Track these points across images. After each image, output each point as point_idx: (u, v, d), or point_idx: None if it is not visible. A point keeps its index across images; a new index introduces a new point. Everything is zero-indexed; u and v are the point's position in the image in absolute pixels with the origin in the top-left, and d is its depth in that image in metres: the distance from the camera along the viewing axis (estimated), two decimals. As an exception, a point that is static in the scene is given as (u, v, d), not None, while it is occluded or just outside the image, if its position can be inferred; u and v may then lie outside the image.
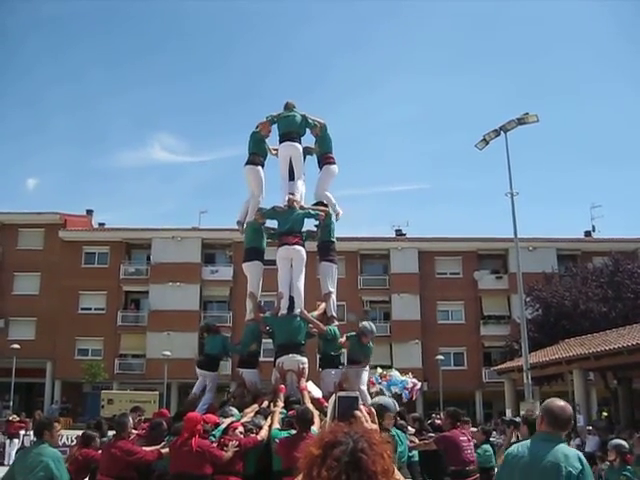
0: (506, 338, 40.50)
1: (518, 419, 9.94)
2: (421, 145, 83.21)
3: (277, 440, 7.46)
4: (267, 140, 11.76)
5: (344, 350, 10.84)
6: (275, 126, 11.68)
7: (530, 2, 76.96)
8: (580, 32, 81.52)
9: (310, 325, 10.43)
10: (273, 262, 10.83)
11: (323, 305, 11.10)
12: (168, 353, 36.49)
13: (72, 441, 11.20)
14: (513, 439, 8.82)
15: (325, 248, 11.51)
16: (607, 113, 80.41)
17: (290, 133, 11.44)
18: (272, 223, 11.39)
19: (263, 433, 7.79)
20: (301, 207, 11.02)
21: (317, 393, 9.87)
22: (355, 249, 45.67)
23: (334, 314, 11.21)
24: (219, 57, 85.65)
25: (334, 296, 11.33)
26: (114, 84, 78.96)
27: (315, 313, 10.78)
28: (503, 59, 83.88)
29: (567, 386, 30.82)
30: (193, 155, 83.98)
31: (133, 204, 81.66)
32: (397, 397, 22.58)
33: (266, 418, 8.32)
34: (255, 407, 9.05)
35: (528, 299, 35.66)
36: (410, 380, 22.92)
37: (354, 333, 10.50)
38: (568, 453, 4.08)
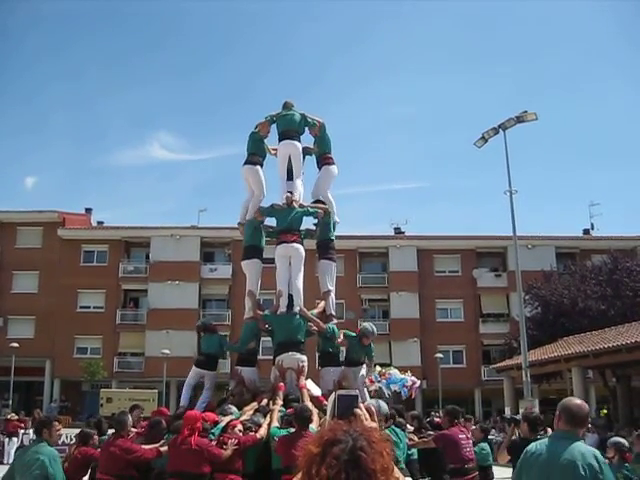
0: (505, 336, 40.51)
1: (518, 417, 9.93)
2: (420, 143, 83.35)
3: (276, 438, 7.47)
4: (266, 140, 11.76)
5: (343, 348, 10.84)
6: (274, 126, 11.67)
7: (528, 2, 77.15)
8: (579, 31, 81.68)
9: (309, 323, 10.44)
10: (272, 260, 10.84)
11: (322, 303, 11.11)
12: (167, 351, 36.51)
13: (71, 440, 11.19)
14: (514, 437, 8.80)
15: (324, 246, 11.52)
16: (606, 111, 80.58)
17: (289, 131, 11.45)
18: (271, 221, 11.39)
19: (262, 431, 7.79)
20: (300, 205, 11.02)
21: (316, 391, 9.88)
22: (354, 247, 45.67)
23: (333, 312, 11.22)
24: (218, 56, 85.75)
25: (333, 294, 11.33)
26: (113, 82, 78.92)
27: (315, 311, 10.80)
28: (502, 58, 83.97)
29: (566, 384, 30.89)
30: (192, 153, 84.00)
31: (132, 202, 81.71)
32: (396, 395, 22.61)
33: (265, 416, 8.32)
34: (254, 405, 9.06)
35: (527, 297, 35.68)
36: (409, 378, 22.90)
37: (354, 334, 10.49)
38: (585, 451, 4.14)
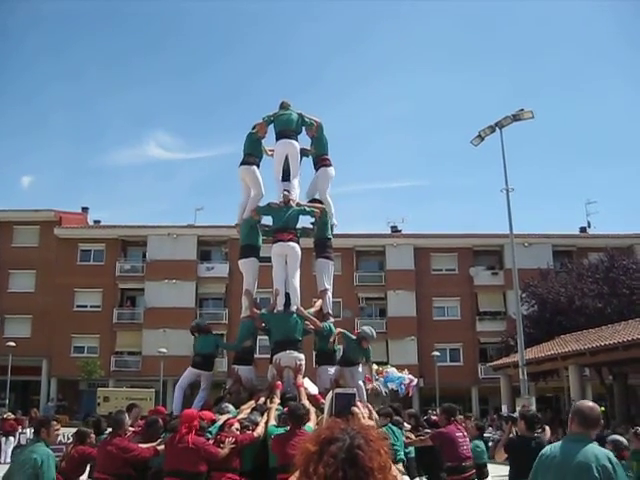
0: (502, 334, 40.51)
1: (515, 415, 9.95)
2: (416, 142, 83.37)
3: (273, 437, 7.48)
4: (263, 141, 11.74)
5: (340, 347, 10.85)
6: (271, 127, 11.64)
7: (526, 1, 77.25)
8: (576, 30, 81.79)
9: (306, 322, 10.44)
10: (269, 259, 10.83)
11: (319, 302, 11.12)
12: (164, 350, 36.49)
13: (68, 439, 11.16)
14: (511, 435, 8.81)
15: (321, 245, 11.52)
16: (602, 109, 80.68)
17: (286, 131, 11.42)
18: (267, 220, 11.38)
19: (259, 430, 7.79)
20: (297, 204, 11.01)
21: (313, 389, 9.89)
22: (351, 246, 45.63)
23: (330, 311, 11.22)
24: (216, 55, 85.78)
25: (330, 293, 11.33)
26: (111, 82, 78.90)
27: (311, 310, 10.80)
28: (499, 57, 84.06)
29: (563, 382, 30.93)
30: (189, 152, 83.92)
31: (129, 201, 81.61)
32: (393, 393, 22.64)
33: (262, 415, 8.32)
34: (251, 404, 9.06)
35: (524, 295, 35.67)
36: (407, 376, 22.94)
37: (354, 337, 10.46)
38: (598, 453, 4.25)
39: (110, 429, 8.14)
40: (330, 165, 11.86)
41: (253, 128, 11.60)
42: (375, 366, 21.81)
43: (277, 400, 8.78)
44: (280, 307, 10.43)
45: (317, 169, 11.91)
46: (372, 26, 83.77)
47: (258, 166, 11.56)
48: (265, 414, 8.28)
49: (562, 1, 76.04)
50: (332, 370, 10.39)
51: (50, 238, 45.56)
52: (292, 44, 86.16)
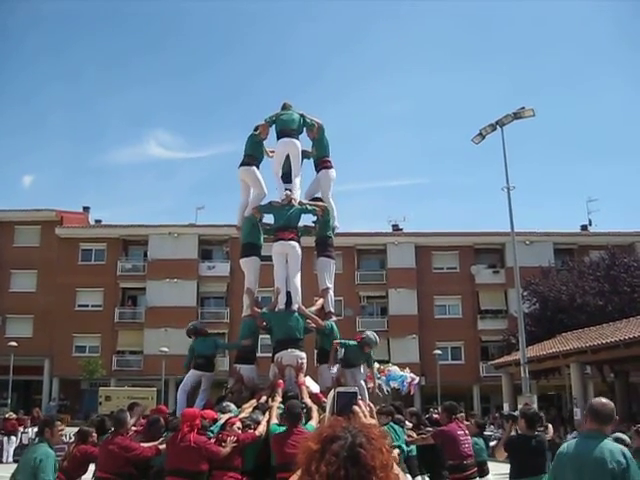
0: (503, 332, 40.51)
1: (516, 413, 9.95)
2: (417, 140, 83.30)
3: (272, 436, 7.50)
4: (264, 142, 11.71)
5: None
6: (273, 128, 11.59)
7: (526, 1, 77.27)
8: (576, 29, 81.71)
9: (308, 320, 10.44)
10: (270, 258, 10.83)
11: (321, 300, 11.12)
12: (166, 349, 36.48)
13: (70, 438, 11.17)
14: (512, 433, 8.82)
15: (323, 243, 11.51)
16: (603, 108, 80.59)
17: (287, 130, 11.37)
18: (269, 218, 11.38)
19: (261, 428, 7.80)
20: (299, 203, 10.99)
21: (315, 388, 9.89)
22: (352, 244, 45.62)
23: (332, 309, 11.23)
24: (215, 55, 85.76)
25: (332, 292, 11.33)
26: (111, 82, 78.84)
27: (313, 308, 10.80)
28: (499, 56, 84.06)
29: (564, 380, 30.93)
30: (189, 151, 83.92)
31: (130, 201, 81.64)
32: (395, 392, 22.63)
33: (264, 413, 8.33)
34: (253, 402, 9.07)
35: (525, 293, 35.66)
36: (408, 375, 22.92)
37: (355, 342, 10.43)
38: (613, 449, 4.35)
39: (112, 428, 8.15)
40: (331, 167, 11.82)
41: (255, 130, 11.54)
42: (377, 365, 21.81)
43: (279, 399, 8.78)
44: (281, 306, 10.43)
45: (318, 171, 11.86)
46: (372, 25, 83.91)
47: (258, 167, 11.53)
48: (267, 413, 8.28)
49: (562, 1, 76.17)
50: (334, 369, 10.39)
51: (51, 238, 45.58)
52: (292, 43, 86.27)
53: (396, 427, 9.46)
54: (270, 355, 10.27)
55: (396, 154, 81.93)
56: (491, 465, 11.01)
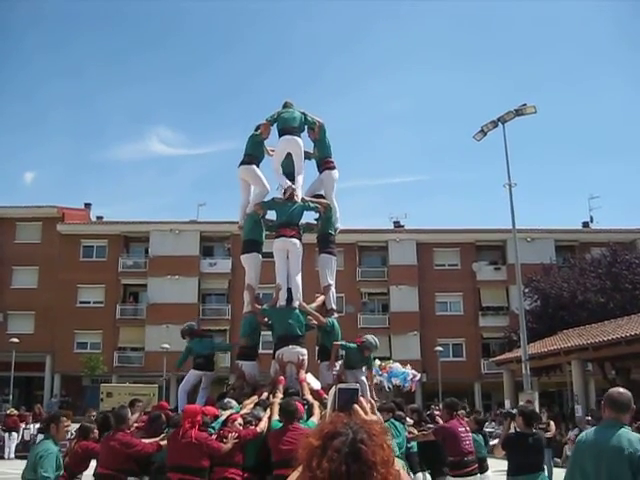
0: (505, 329, 40.56)
1: (514, 411, 9.96)
2: (419, 137, 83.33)
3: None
4: (265, 142, 11.66)
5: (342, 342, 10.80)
6: (274, 127, 11.54)
7: (526, 1, 77.24)
8: (577, 29, 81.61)
9: (309, 317, 10.44)
10: (272, 254, 10.81)
11: (321, 297, 11.10)
12: (167, 346, 36.48)
13: (71, 434, 11.17)
14: (511, 430, 8.83)
15: (325, 240, 11.48)
16: (604, 107, 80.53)
17: (289, 128, 11.28)
18: (271, 215, 11.36)
19: (262, 425, 7.80)
20: (302, 200, 10.96)
21: (316, 385, 9.89)
22: (353, 241, 45.62)
23: (334, 306, 11.20)
24: (216, 53, 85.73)
25: (333, 288, 11.32)
26: (112, 79, 78.97)
27: (313, 305, 10.79)
28: (500, 56, 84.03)
29: (565, 377, 30.94)
30: (191, 148, 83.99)
31: (131, 197, 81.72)
32: (396, 389, 22.63)
33: (265, 410, 8.33)
34: (254, 399, 9.06)
35: (526, 290, 35.70)
36: (409, 372, 22.92)
37: (354, 345, 10.40)
38: (631, 437, 4.44)
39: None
40: (334, 168, 11.75)
41: (256, 130, 11.46)
42: (378, 362, 21.83)
43: (280, 395, 8.77)
44: (282, 302, 10.42)
45: (321, 172, 11.79)
46: (372, 25, 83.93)
47: (258, 166, 11.45)
48: (268, 409, 8.29)
49: (562, 1, 76.16)
50: (336, 368, 10.38)
51: (53, 234, 45.63)
52: (292, 41, 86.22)
53: (397, 423, 9.45)
54: (271, 352, 10.27)
55: (397, 151, 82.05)
56: (492, 462, 11.02)
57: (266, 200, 11.20)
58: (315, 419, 7.62)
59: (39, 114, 77.47)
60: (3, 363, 36.76)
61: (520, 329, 25.13)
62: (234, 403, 8.88)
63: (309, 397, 8.77)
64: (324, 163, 11.72)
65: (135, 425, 8.73)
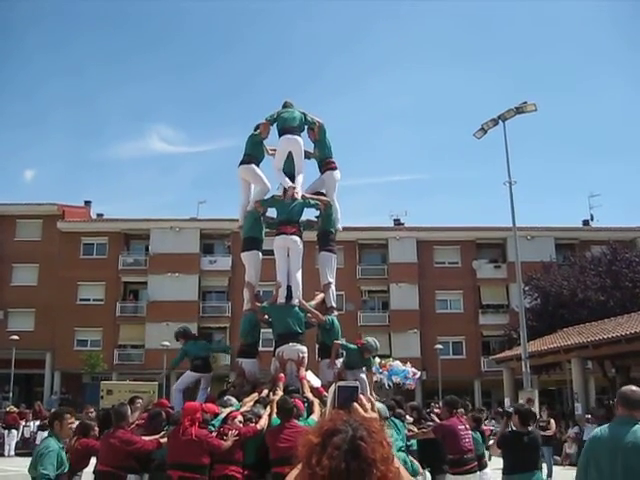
0: (505, 327, 40.53)
1: (511, 409, 9.98)
2: (419, 135, 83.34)
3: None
4: (265, 141, 11.64)
5: (342, 340, 10.80)
6: (274, 127, 11.51)
7: (526, 1, 77.20)
8: (577, 28, 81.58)
9: (309, 315, 10.44)
10: (272, 252, 10.81)
11: (321, 295, 11.10)
12: (167, 343, 36.47)
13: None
14: (508, 429, 8.83)
15: (325, 238, 11.47)
16: (604, 106, 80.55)
17: (289, 127, 11.25)
18: (272, 213, 11.36)
19: (262, 422, 7.81)
20: (302, 197, 10.94)
21: (316, 382, 9.89)
22: (353, 239, 45.57)
23: (334, 304, 11.20)
24: (217, 52, 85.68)
25: (333, 286, 11.31)
26: (112, 77, 79.09)
27: (312, 302, 10.79)
28: (500, 56, 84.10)
29: (565, 375, 30.95)
30: (191, 146, 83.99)
31: (131, 195, 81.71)
32: (396, 386, 22.66)
33: (265, 407, 8.34)
34: (254, 396, 9.07)
35: (526, 288, 35.69)
36: (410, 370, 22.96)
37: (355, 346, 10.40)
38: None
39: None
40: (336, 168, 11.71)
41: (255, 129, 11.44)
42: (378, 359, 21.86)
43: (280, 393, 8.78)
44: (282, 300, 10.42)
45: (323, 172, 11.76)
46: (372, 25, 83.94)
47: (257, 165, 11.43)
48: (268, 407, 8.30)
49: (562, 1, 76.13)
50: (337, 364, 10.39)
51: (53, 232, 45.62)
52: (292, 40, 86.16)
53: (397, 421, 9.45)
54: (272, 349, 10.28)
55: (397, 149, 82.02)
56: (494, 458, 11.03)
57: (266, 198, 11.20)
58: (315, 417, 7.63)
59: (39, 112, 77.63)
60: (3, 360, 36.78)
61: (520, 327, 25.13)
62: (234, 401, 8.89)
63: (309, 395, 8.78)
64: (325, 164, 11.68)
65: (135, 422, 8.73)
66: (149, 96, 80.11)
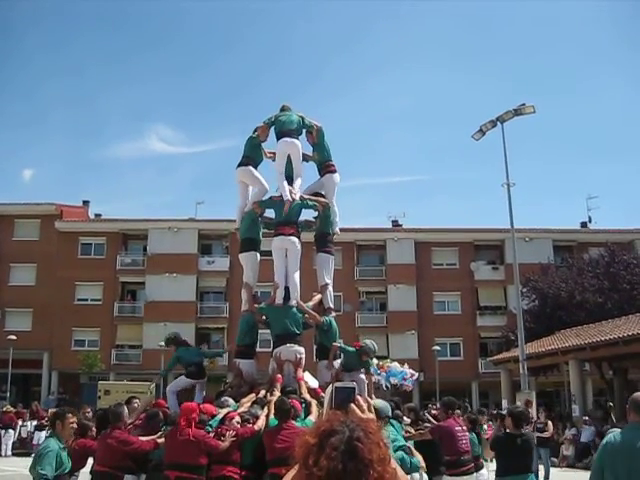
0: (502, 329, 40.55)
1: (505, 412, 9.99)
2: (417, 137, 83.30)
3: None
4: (263, 144, 11.63)
5: (340, 342, 10.80)
6: (272, 129, 11.50)
7: (526, 1, 77.26)
8: (576, 29, 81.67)
9: (307, 316, 10.44)
10: (270, 253, 10.81)
11: (318, 296, 11.09)
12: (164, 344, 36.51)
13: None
14: (502, 431, 8.84)
15: (322, 239, 11.46)
16: (603, 107, 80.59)
17: (287, 131, 11.24)
18: (269, 213, 11.35)
19: (260, 423, 7.81)
20: (300, 198, 10.94)
21: (314, 383, 9.90)
22: (351, 240, 45.53)
23: (331, 305, 11.19)
24: (216, 53, 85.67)
25: (331, 287, 11.30)
26: (112, 78, 79.04)
27: (310, 303, 10.79)
28: (500, 56, 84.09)
29: (563, 376, 30.96)
30: (190, 146, 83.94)
31: (130, 195, 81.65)
32: (394, 388, 22.67)
33: (263, 408, 8.34)
34: (252, 397, 9.07)
35: (524, 290, 35.69)
36: (408, 371, 22.98)
37: (353, 349, 10.39)
38: None
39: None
40: (335, 171, 11.68)
41: (254, 132, 11.44)
42: (376, 361, 21.86)
43: (277, 393, 8.79)
44: (279, 301, 10.42)
45: (322, 175, 11.74)
46: (372, 25, 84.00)
47: (256, 168, 11.42)
48: (265, 407, 8.30)
49: (562, 1, 76.19)
50: (336, 364, 10.39)
51: (51, 231, 45.56)
52: (292, 41, 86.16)
53: (394, 422, 9.45)
54: (269, 350, 10.27)
55: (396, 151, 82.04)
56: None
57: (264, 199, 11.19)
58: (313, 417, 7.63)
59: (39, 112, 77.63)
60: (0, 360, 36.75)
61: (518, 329, 25.16)
62: (231, 401, 8.89)
63: (307, 396, 8.78)
64: (325, 167, 11.65)
65: (132, 423, 8.73)
66: (149, 96, 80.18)
